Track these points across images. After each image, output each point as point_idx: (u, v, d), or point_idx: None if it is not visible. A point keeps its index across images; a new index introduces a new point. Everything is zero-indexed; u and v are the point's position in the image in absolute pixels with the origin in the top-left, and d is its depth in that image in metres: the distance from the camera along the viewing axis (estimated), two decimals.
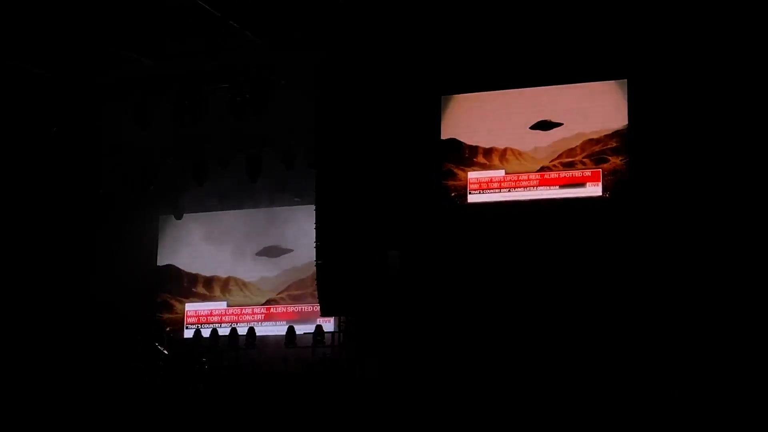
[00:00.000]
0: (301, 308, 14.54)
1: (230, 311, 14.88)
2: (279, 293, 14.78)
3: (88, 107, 13.10)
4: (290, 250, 14.69)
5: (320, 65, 12.94)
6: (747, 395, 10.29)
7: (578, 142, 12.45)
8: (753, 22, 11.29)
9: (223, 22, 11.83)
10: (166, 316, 15.01)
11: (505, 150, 12.78)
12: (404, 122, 12.79)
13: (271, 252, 14.85)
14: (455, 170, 12.88)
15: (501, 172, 12.73)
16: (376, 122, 12.81)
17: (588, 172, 12.34)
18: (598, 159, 12.33)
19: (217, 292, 15.03)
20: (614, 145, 12.24)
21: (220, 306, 14.95)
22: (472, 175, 12.81)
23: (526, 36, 12.34)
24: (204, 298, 15.03)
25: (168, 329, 14.65)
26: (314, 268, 13.26)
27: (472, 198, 12.78)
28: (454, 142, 12.92)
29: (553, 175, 12.50)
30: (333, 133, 13.06)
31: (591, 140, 12.39)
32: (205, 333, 14.36)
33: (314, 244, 13.12)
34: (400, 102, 12.79)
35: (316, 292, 13.31)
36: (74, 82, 13.07)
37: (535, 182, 12.61)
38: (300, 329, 13.89)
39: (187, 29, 11.99)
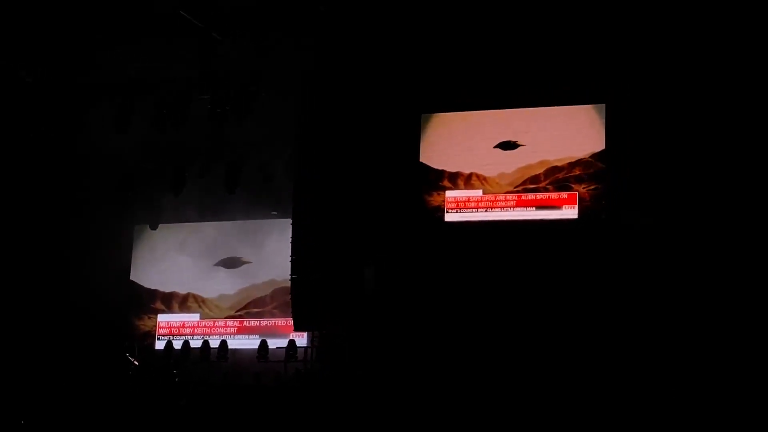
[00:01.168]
0: (275, 322, 14.47)
1: (203, 323, 14.79)
2: (237, 311, 14.71)
3: (68, 112, 13.01)
4: (249, 262, 14.63)
5: (303, 79, 12.95)
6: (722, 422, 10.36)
7: (542, 169, 12.52)
8: (730, 51, 11.43)
9: (206, 33, 11.82)
10: (142, 325, 14.93)
11: (470, 175, 12.82)
12: (384, 139, 12.81)
13: (232, 263, 14.77)
14: (423, 195, 12.88)
15: (479, 192, 12.77)
16: (356, 139, 12.82)
17: (564, 195, 12.41)
18: (561, 186, 12.39)
19: (176, 308, 14.95)
20: (578, 173, 12.31)
21: (192, 318, 14.86)
22: (450, 194, 12.84)
23: (507, 58, 12.43)
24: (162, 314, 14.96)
25: (146, 343, 14.56)
26: (274, 287, 13.25)
27: (449, 217, 12.81)
28: (421, 166, 12.93)
29: (530, 196, 12.56)
30: (313, 148, 13.05)
31: (555, 167, 12.47)
32: (177, 345, 14.22)
33: (277, 261, 13.11)
34: (380, 119, 12.82)
35: (275, 311, 13.19)
36: (54, 87, 12.98)
37: (512, 203, 12.66)
38: (273, 343, 13.80)
39: (170, 38, 11.95)
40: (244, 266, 14.76)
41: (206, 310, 14.79)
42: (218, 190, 13.78)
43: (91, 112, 12.96)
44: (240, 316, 14.59)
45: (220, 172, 13.48)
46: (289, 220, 13.43)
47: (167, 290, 15.01)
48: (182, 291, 14.97)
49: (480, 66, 12.55)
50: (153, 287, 15.07)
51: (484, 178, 12.73)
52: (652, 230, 11.47)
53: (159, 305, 14.97)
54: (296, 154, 13.17)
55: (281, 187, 13.66)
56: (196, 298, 14.87)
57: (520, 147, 12.56)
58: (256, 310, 14.57)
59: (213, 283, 14.88)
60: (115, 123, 12.75)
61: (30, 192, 13.72)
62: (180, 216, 14.79)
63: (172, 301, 14.95)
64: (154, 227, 15.02)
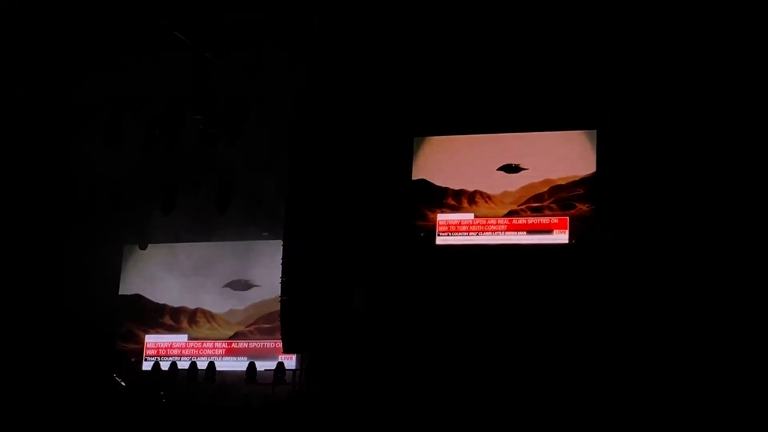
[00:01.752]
0: (264, 344, 14.39)
1: (191, 344, 14.69)
2: (248, 326, 14.63)
3: (59, 129, 12.98)
4: (258, 286, 14.60)
5: (296, 101, 12.96)
6: None
7: (546, 188, 12.56)
8: (719, 81, 11.51)
9: (198, 52, 11.83)
10: (130, 346, 14.82)
11: (474, 192, 12.85)
12: (376, 162, 12.82)
13: (239, 285, 14.72)
14: (425, 211, 12.89)
15: (470, 216, 12.77)
16: (348, 161, 12.82)
17: (555, 219, 12.42)
18: (565, 205, 12.42)
19: (185, 323, 14.85)
20: (581, 192, 12.34)
21: (180, 339, 14.76)
22: (441, 217, 12.84)
23: (501, 82, 12.49)
24: (170, 329, 14.85)
25: (133, 360, 14.46)
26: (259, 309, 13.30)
27: (440, 240, 12.80)
28: (424, 183, 12.96)
29: (522, 220, 12.57)
30: (305, 168, 13.04)
31: (558, 186, 12.50)
32: (165, 366, 14.12)
33: (266, 282, 13.07)
34: (373, 142, 12.83)
35: (279, 319, 13.14)
36: (46, 103, 12.95)
37: (503, 227, 12.67)
38: (261, 365, 13.72)
39: (163, 58, 11.95)
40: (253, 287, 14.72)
41: (215, 325, 14.74)
42: (209, 211, 13.76)
43: (83, 130, 12.91)
44: (250, 333, 14.53)
45: (211, 192, 13.45)
46: (280, 242, 13.36)
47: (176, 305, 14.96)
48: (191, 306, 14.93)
49: (475, 87, 12.61)
50: (161, 302, 15.03)
51: (489, 196, 12.74)
52: (616, 247, 11.46)
53: (167, 320, 14.90)
54: (288, 176, 13.13)
55: (273, 208, 13.63)
56: (204, 313, 14.82)
57: (524, 171, 12.58)
58: (266, 326, 14.48)
59: (221, 299, 14.84)
60: (105, 142, 12.70)
61: (19, 210, 13.63)
62: (170, 236, 14.75)
63: (180, 315, 14.88)
64: (143, 247, 14.97)
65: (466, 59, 12.37)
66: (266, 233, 14.33)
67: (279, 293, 13.14)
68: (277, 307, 13.27)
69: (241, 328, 14.68)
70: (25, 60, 11.99)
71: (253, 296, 14.71)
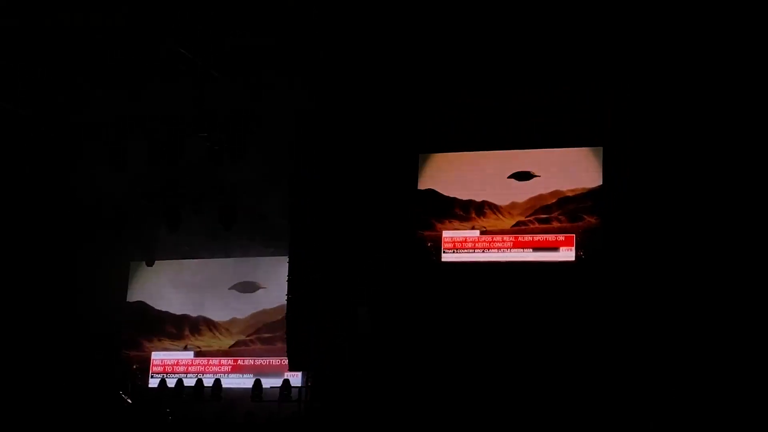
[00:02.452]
0: (269, 361, 14.38)
1: (197, 361, 14.71)
2: (248, 335, 14.62)
3: (64, 148, 13.03)
4: (264, 287, 14.65)
5: (299, 118, 12.95)
6: None
7: (554, 199, 12.50)
8: (725, 92, 11.43)
9: (203, 70, 11.85)
10: (133, 353, 14.86)
11: (482, 203, 12.80)
12: (381, 179, 12.79)
13: (245, 288, 14.78)
14: (432, 221, 12.84)
15: (476, 233, 12.72)
16: (352, 178, 12.80)
17: (562, 237, 12.34)
18: (573, 217, 12.36)
19: (187, 332, 14.90)
20: (590, 204, 12.28)
21: (186, 356, 14.78)
22: (447, 234, 12.78)
23: (506, 99, 12.46)
24: (172, 337, 14.86)
25: (135, 366, 14.48)
26: (285, 311, 13.12)
27: (445, 257, 12.74)
28: (431, 193, 12.92)
29: (528, 237, 12.50)
30: (308, 186, 13.02)
31: (567, 197, 12.44)
32: (171, 383, 14.12)
33: (285, 288, 13.01)
34: (377, 159, 12.80)
35: (285, 336, 13.14)
36: (51, 122, 13.02)
37: (509, 244, 12.60)
38: (267, 383, 13.69)
39: (168, 75, 11.98)
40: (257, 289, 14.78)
41: (216, 334, 14.78)
42: (214, 227, 13.78)
43: (86, 149, 12.97)
44: (251, 341, 14.59)
45: (215, 209, 13.47)
46: (286, 258, 13.34)
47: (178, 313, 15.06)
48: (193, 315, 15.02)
49: (480, 106, 12.58)
50: (164, 309, 15.14)
51: (497, 207, 12.69)
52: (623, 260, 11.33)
53: (169, 328, 14.98)
54: (291, 192, 13.13)
55: (277, 224, 13.64)
56: (207, 321, 14.90)
57: (535, 178, 12.53)
58: (267, 335, 14.54)
59: (223, 307, 14.93)
60: (110, 161, 12.75)
61: (27, 230, 13.71)
62: (176, 252, 14.79)
63: (183, 324, 14.96)
64: (150, 264, 15.02)
65: (469, 73, 12.32)
66: (272, 249, 14.33)
67: (280, 302, 13.07)
68: (279, 317, 13.29)
69: (242, 336, 14.71)
70: (28, 79, 12.04)
71: (255, 304, 14.74)
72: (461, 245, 12.75)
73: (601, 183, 12.20)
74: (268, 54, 11.77)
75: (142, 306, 15.20)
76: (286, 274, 13.13)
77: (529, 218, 12.54)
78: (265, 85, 12.00)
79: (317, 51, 11.89)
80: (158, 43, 11.35)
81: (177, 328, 15.00)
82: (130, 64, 11.69)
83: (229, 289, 14.94)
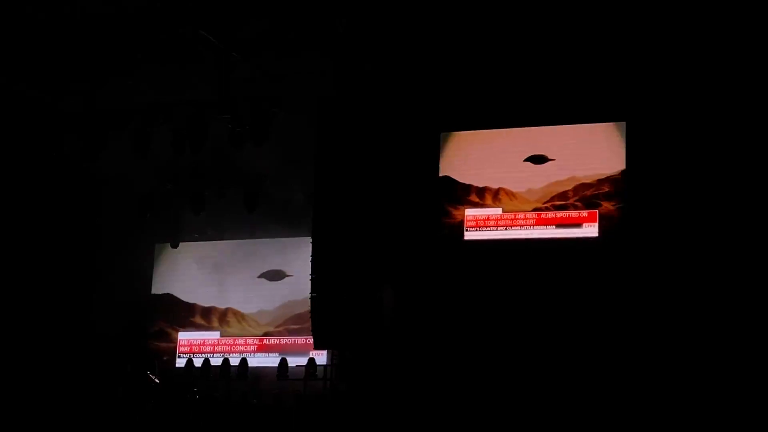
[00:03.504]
0: (295, 340, 14.51)
1: (223, 341, 14.85)
2: (277, 326, 14.76)
3: (87, 134, 13.10)
4: (290, 275, 14.72)
5: (322, 99, 12.97)
6: None
7: (571, 186, 12.45)
8: (750, 66, 11.32)
9: (226, 53, 11.86)
10: (162, 344, 14.99)
11: (498, 190, 12.79)
12: (403, 158, 12.80)
13: (272, 276, 14.85)
14: (448, 208, 12.88)
15: (498, 210, 12.74)
16: (375, 157, 12.81)
17: (585, 213, 12.34)
18: (590, 203, 12.32)
19: (215, 322, 15.00)
20: (606, 190, 12.24)
21: (213, 336, 14.92)
22: (470, 212, 12.81)
23: (526, 76, 12.38)
24: (200, 328, 15.01)
25: (165, 358, 14.62)
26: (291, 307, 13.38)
27: (469, 235, 12.77)
28: (447, 180, 12.94)
29: (550, 214, 12.50)
30: (332, 166, 13.06)
31: (583, 184, 12.39)
32: (198, 362, 14.27)
33: (310, 277, 13.09)
34: (400, 138, 12.80)
35: (310, 315, 13.21)
36: (74, 109, 13.09)
37: (531, 221, 12.61)
38: (293, 361, 13.82)
39: (190, 58, 12.00)
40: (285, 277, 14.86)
41: (245, 326, 14.89)
42: (238, 209, 13.86)
43: (110, 135, 13.03)
44: (278, 333, 14.71)
45: (239, 191, 13.53)
46: (309, 239, 13.42)
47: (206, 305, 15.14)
48: (221, 306, 15.09)
49: (500, 85, 12.50)
50: (192, 301, 15.21)
51: (513, 194, 12.69)
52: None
53: (198, 319, 15.07)
54: (315, 174, 13.17)
55: (301, 206, 13.70)
56: (235, 313, 14.99)
57: (550, 161, 12.50)
58: (295, 326, 14.62)
59: (251, 299, 15.01)
60: (134, 147, 12.82)
61: (49, 213, 13.81)
62: (201, 234, 14.89)
63: (211, 315, 15.05)
64: (174, 245, 15.13)
65: (491, 52, 12.26)
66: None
67: (307, 294, 13.17)
68: (306, 308, 13.33)
69: (270, 328, 14.83)
70: (53, 66, 12.10)
71: (283, 294, 14.82)
72: (484, 223, 12.78)
73: (620, 167, 12.11)
74: (288, 35, 11.76)
75: (169, 298, 15.30)
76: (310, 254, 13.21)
77: (545, 204, 12.52)
78: (286, 66, 12.00)
79: (338, 31, 11.87)
80: (179, 27, 11.36)
81: (206, 320, 15.09)
82: (153, 49, 11.71)
83: (258, 277, 15.01)
